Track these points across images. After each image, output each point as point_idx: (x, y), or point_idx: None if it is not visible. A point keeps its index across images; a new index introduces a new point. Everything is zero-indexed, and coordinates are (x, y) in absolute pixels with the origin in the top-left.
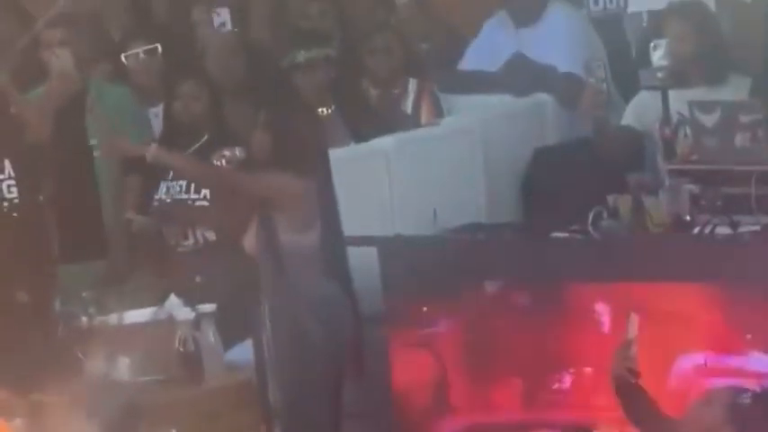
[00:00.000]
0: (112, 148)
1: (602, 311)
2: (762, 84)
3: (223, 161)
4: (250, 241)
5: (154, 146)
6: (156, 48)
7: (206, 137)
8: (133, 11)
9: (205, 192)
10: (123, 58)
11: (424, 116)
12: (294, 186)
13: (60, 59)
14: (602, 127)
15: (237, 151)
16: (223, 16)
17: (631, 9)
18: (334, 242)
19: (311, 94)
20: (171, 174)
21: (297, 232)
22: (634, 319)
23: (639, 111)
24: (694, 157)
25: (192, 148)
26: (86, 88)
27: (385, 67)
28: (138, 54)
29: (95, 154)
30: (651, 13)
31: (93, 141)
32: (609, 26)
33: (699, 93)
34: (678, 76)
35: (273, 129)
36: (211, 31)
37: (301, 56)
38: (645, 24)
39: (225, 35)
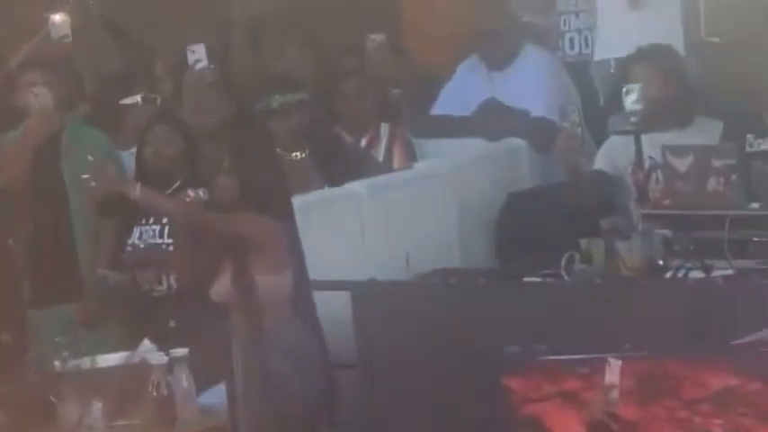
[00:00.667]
0: (102, 177)
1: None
2: (734, 127)
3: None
4: (218, 289)
5: (139, 185)
6: (156, 98)
7: (178, 182)
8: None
9: None
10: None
11: (398, 160)
12: (270, 226)
13: (40, 98)
14: (576, 171)
15: (202, 192)
16: (198, 53)
17: (598, 57)
18: (302, 286)
19: (285, 138)
20: (144, 218)
21: (271, 273)
22: (615, 364)
23: (611, 155)
24: (667, 202)
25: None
26: (62, 130)
27: (357, 112)
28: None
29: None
30: (619, 59)
31: (68, 185)
32: (583, 70)
33: (671, 137)
34: (650, 121)
35: (239, 173)
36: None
37: (276, 101)
38: (613, 70)
39: (201, 71)
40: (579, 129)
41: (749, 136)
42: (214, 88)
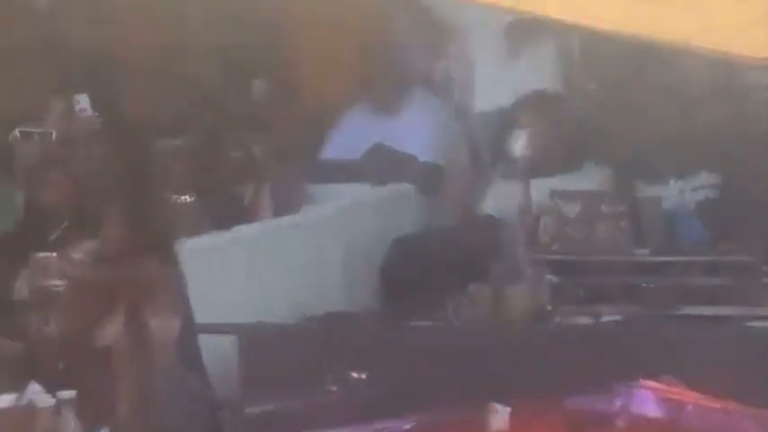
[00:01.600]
0: None
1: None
2: (623, 173)
3: (81, 254)
4: (105, 333)
5: None
6: (51, 133)
7: (65, 224)
8: None
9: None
10: (17, 133)
11: (284, 205)
12: (158, 271)
13: None
14: (465, 216)
15: (95, 243)
16: (83, 102)
17: (479, 108)
18: (188, 330)
19: (173, 181)
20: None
21: (158, 318)
22: (504, 412)
23: (500, 200)
24: (555, 247)
25: (52, 236)
26: None
27: (243, 156)
28: (32, 134)
29: None
30: (502, 107)
31: None
32: (471, 115)
33: (560, 182)
34: (538, 166)
35: (127, 219)
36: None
37: (164, 144)
38: (496, 117)
39: (87, 120)
40: (469, 173)
41: (638, 182)
42: (100, 136)
